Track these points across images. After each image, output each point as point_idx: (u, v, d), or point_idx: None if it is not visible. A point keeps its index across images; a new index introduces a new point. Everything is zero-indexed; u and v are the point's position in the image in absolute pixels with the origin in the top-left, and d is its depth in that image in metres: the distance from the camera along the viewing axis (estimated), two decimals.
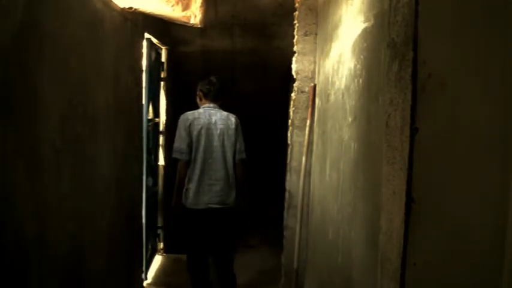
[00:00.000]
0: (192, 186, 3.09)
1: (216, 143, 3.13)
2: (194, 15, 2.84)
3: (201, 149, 3.10)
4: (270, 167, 5.48)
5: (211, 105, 3.20)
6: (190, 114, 3.13)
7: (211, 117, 3.15)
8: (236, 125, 3.21)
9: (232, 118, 3.22)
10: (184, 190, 3.14)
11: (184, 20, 2.84)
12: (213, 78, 3.28)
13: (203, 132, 3.10)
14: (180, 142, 3.08)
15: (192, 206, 3.10)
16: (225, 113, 3.21)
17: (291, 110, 3.41)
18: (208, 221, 3.15)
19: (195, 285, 3.29)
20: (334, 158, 2.28)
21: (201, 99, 3.27)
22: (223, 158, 3.15)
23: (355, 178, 1.78)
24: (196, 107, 3.26)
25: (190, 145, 3.08)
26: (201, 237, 3.20)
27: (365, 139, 1.67)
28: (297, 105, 3.32)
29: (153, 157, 4.08)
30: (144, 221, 3.62)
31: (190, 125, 3.08)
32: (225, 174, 3.14)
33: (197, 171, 3.09)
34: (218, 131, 3.14)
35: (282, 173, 3.70)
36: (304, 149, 3.23)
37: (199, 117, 3.12)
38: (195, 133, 3.08)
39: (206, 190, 3.10)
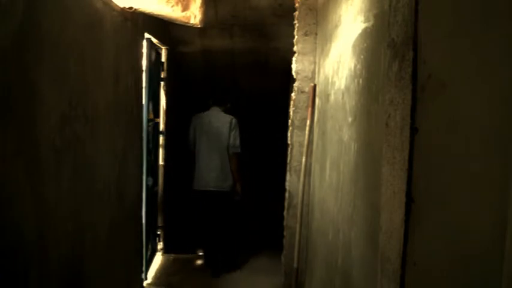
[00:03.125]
0: (196, 172, 4.04)
1: (212, 138, 3.99)
2: (194, 15, 2.84)
3: (201, 142, 4.00)
4: (270, 167, 5.48)
5: (216, 108, 4.11)
6: (197, 116, 4.09)
7: (210, 117, 4.05)
8: (230, 124, 4.00)
9: (228, 118, 4.04)
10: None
11: (184, 20, 2.84)
12: (218, 92, 4.23)
13: (204, 128, 4.00)
14: (189, 137, 4.09)
15: (196, 187, 4.06)
16: (223, 114, 4.07)
17: (291, 110, 3.41)
18: (207, 201, 4.05)
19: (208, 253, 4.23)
20: (334, 158, 2.28)
21: (210, 104, 4.18)
22: (218, 151, 3.99)
23: (355, 178, 1.78)
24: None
25: (194, 139, 4.04)
26: (204, 213, 4.12)
27: (365, 139, 1.67)
28: (297, 105, 3.32)
29: (153, 157, 4.08)
30: (144, 221, 3.62)
31: (195, 123, 4.04)
32: (219, 164, 3.99)
33: (199, 160, 4.01)
34: (214, 129, 4.00)
35: (282, 172, 3.71)
36: (304, 149, 3.23)
37: (202, 117, 4.06)
38: (198, 129, 4.02)
39: (205, 175, 4.00)
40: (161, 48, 4.45)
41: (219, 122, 4.02)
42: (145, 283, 3.75)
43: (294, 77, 3.34)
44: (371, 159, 1.55)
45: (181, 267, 4.34)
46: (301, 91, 3.31)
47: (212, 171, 3.98)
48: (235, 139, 4.02)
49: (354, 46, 1.89)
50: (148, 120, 3.77)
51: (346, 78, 2.03)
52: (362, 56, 1.74)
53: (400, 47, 1.14)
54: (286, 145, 3.58)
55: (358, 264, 1.67)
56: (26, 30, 1.52)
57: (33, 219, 1.62)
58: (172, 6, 2.64)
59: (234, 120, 4.04)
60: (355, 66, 1.85)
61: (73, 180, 1.98)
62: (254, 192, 4.56)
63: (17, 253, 1.52)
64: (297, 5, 3.34)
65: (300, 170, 3.26)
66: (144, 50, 3.54)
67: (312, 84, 3.21)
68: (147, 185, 3.69)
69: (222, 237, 4.20)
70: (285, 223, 3.50)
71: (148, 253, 3.96)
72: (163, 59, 4.54)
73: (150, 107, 3.85)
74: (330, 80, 2.52)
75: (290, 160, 3.39)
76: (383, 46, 1.38)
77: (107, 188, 2.53)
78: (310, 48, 3.28)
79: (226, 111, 4.12)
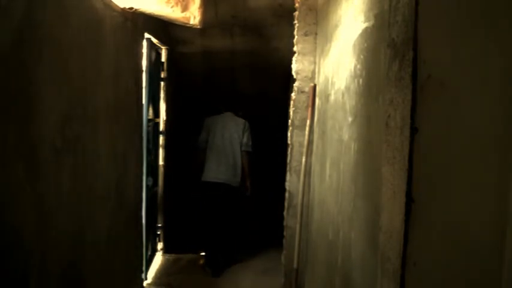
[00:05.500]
0: (207, 166, 4.35)
1: (226, 137, 4.36)
2: (193, 16, 2.84)
3: (215, 140, 4.36)
4: (269, 167, 5.48)
5: (229, 113, 4.50)
6: (212, 118, 4.48)
7: (225, 119, 4.45)
8: (244, 126, 4.43)
9: (242, 121, 4.46)
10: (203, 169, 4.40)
11: (184, 21, 2.84)
12: (227, 101, 4.68)
13: (218, 128, 4.38)
14: (202, 135, 4.43)
15: (204, 178, 4.34)
16: (236, 118, 4.48)
17: (291, 110, 3.41)
18: (214, 194, 4.31)
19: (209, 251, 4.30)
20: (334, 158, 2.28)
21: (223, 109, 4.61)
22: (231, 149, 4.36)
23: (355, 178, 1.78)
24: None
25: (207, 138, 4.39)
26: (208, 209, 4.35)
27: (365, 139, 1.67)
28: (297, 105, 3.32)
29: (153, 157, 4.08)
30: (144, 221, 3.62)
31: (210, 123, 4.42)
32: (232, 161, 4.35)
33: (211, 155, 4.34)
34: (228, 130, 4.38)
35: (282, 172, 3.71)
36: (304, 149, 3.23)
37: (217, 119, 4.45)
38: (212, 129, 4.39)
39: (216, 168, 4.31)
40: (161, 48, 4.45)
41: (234, 123, 4.42)
42: (145, 283, 3.75)
43: (294, 77, 3.34)
44: (371, 159, 1.55)
45: (181, 267, 4.34)
46: (301, 91, 3.31)
47: (223, 165, 4.30)
48: (248, 139, 4.42)
49: (354, 46, 1.89)
50: (148, 120, 3.77)
51: (346, 78, 2.03)
52: (362, 56, 1.74)
53: (400, 47, 1.14)
54: (286, 145, 3.58)
55: (358, 265, 1.67)
56: (26, 30, 1.52)
57: (33, 219, 1.62)
58: (172, 7, 2.64)
59: (247, 124, 4.47)
60: (355, 66, 1.85)
61: (73, 180, 1.98)
62: (254, 192, 4.58)
63: (17, 253, 1.52)
64: (297, 5, 3.33)
65: (300, 170, 3.26)
66: (144, 50, 3.54)
67: (312, 84, 3.21)
68: (147, 185, 3.69)
69: (223, 236, 4.30)
70: (285, 223, 3.49)
71: (148, 253, 3.96)
72: (163, 59, 4.54)
73: (150, 107, 3.85)
74: (330, 80, 2.52)
75: (290, 160, 3.39)
76: (383, 46, 1.38)
77: (107, 188, 2.53)
78: (310, 48, 3.28)
79: (238, 117, 4.55)
